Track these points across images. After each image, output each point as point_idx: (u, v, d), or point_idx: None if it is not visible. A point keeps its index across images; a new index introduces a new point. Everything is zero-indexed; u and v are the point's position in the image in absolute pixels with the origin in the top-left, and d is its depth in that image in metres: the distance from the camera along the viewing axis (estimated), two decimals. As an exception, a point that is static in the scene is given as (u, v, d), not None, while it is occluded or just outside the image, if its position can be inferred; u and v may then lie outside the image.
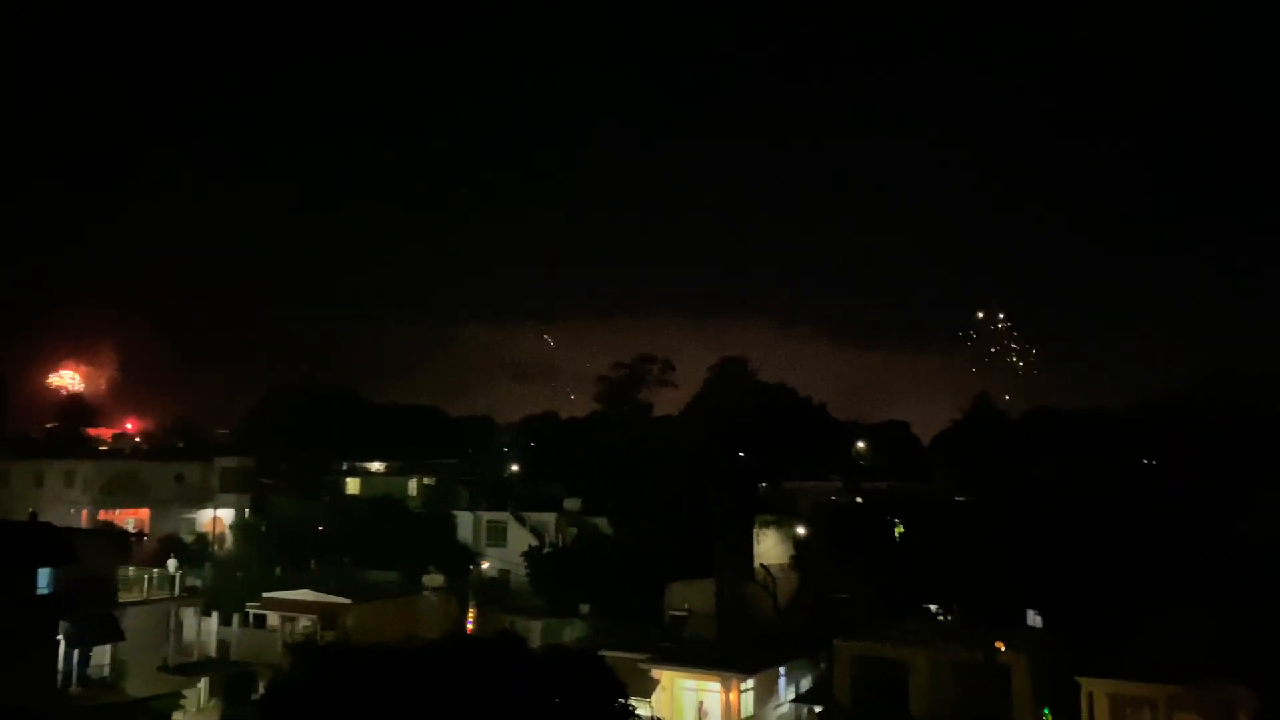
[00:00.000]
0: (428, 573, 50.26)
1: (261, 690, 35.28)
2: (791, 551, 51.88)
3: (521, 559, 55.98)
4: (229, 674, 41.97)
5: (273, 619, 46.76)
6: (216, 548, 59.32)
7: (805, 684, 41.49)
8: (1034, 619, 42.30)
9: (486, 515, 60.61)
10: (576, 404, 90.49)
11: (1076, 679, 34.44)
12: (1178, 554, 39.47)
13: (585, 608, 48.79)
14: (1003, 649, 35.53)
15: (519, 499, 62.94)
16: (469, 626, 42.38)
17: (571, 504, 60.90)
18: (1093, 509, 44.33)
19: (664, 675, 39.73)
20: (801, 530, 52.83)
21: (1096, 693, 34.28)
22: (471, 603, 44.70)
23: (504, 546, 58.91)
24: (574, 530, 58.83)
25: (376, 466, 72.94)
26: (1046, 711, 34.90)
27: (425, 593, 48.96)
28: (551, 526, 59.63)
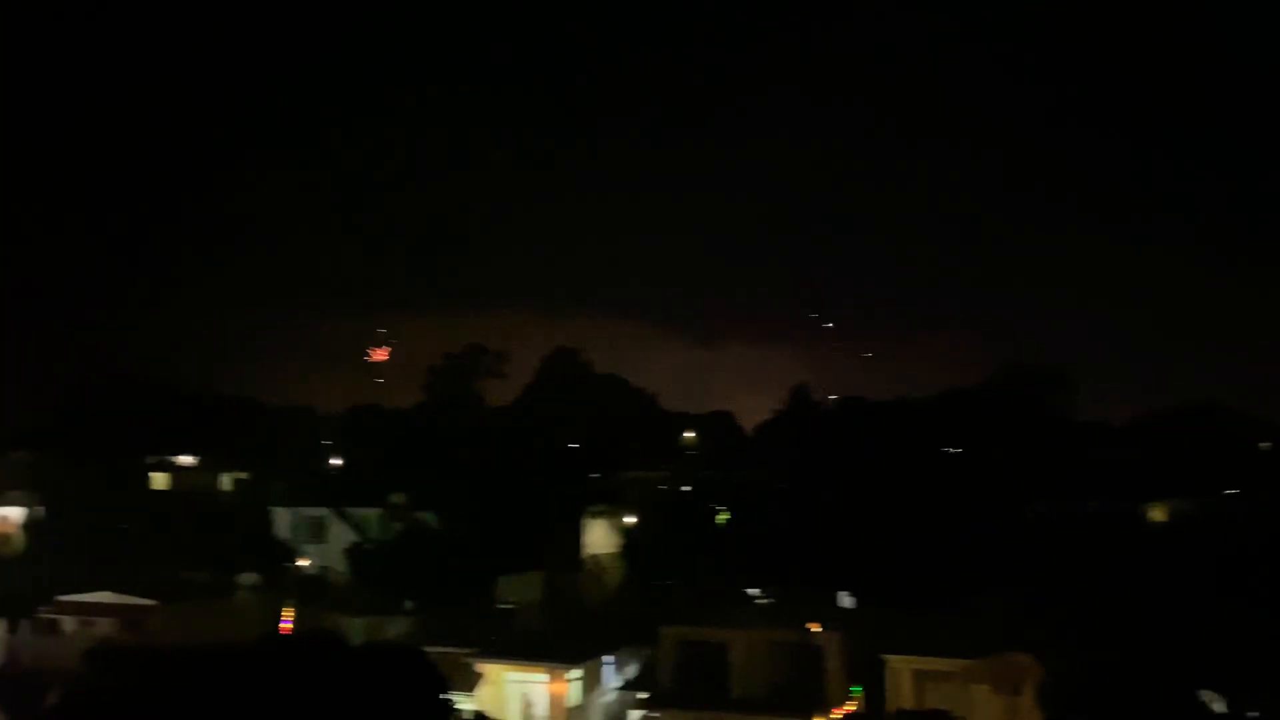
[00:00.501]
0: (241, 572, 48.12)
1: (52, 700, 32.82)
2: (621, 541, 52.64)
3: (343, 555, 54.41)
4: (15, 684, 38.80)
5: (68, 624, 43.68)
6: (2, 549, 54.82)
7: (632, 672, 42.13)
8: (847, 600, 44.51)
9: (305, 511, 58.53)
10: (405, 395, 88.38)
11: (883, 656, 36.48)
12: (975, 536, 42.43)
13: (411, 604, 47.89)
14: (817, 629, 37.13)
15: (341, 494, 61.12)
16: (285, 626, 40.76)
17: (397, 498, 59.62)
18: (899, 494, 47.06)
19: (489, 669, 39.45)
20: (631, 519, 53.69)
21: (902, 669, 36.40)
22: (288, 602, 43.01)
23: (325, 543, 57.05)
24: (399, 525, 57.62)
25: (186, 460, 69.18)
26: (856, 688, 36.71)
27: (238, 593, 46.85)
28: (376, 521, 58.19)
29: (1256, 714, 27.57)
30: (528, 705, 39.74)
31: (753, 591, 46.74)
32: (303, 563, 55.92)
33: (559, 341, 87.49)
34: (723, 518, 52.37)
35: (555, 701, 39.13)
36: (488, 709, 35.65)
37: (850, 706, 36.30)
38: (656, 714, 37.65)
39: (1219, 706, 28.31)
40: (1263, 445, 65.52)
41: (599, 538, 53.30)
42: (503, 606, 46.79)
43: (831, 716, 35.40)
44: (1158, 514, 48.04)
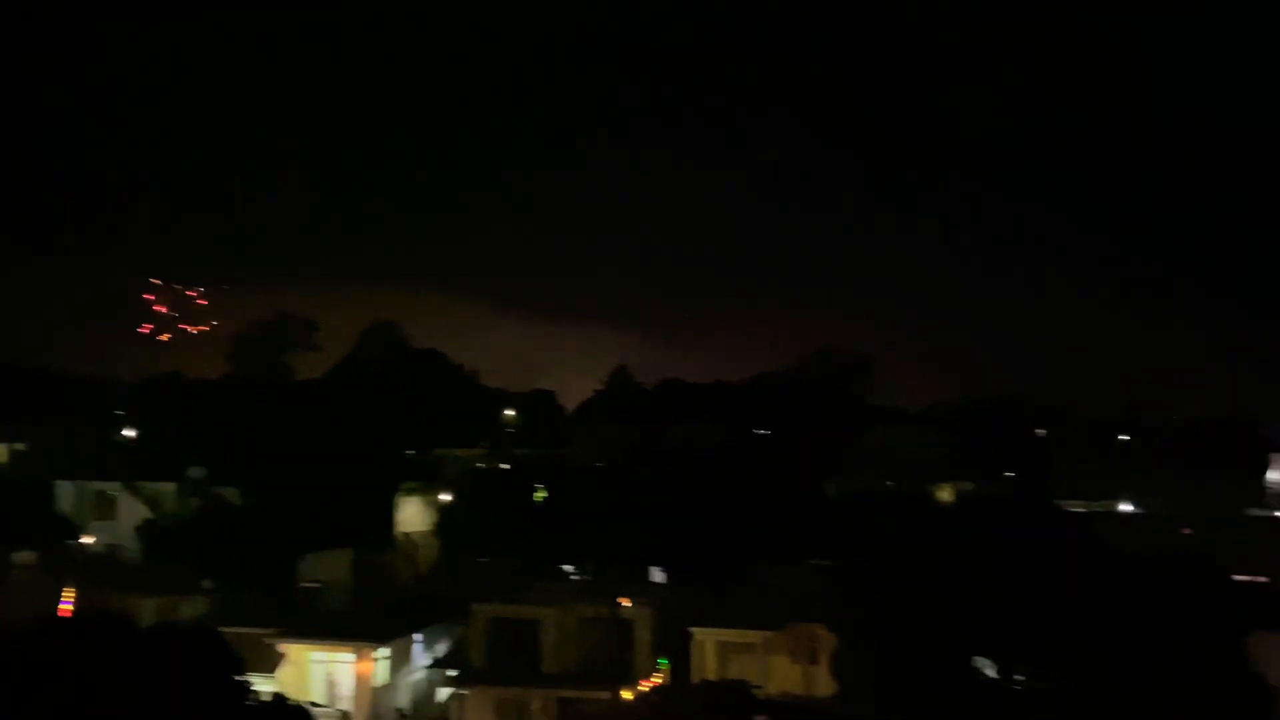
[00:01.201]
0: (16, 550, 44.53)
1: None
2: (436, 519, 51.89)
3: (135, 533, 51.21)
4: None
5: None
6: None
7: (443, 650, 41.75)
8: (658, 576, 45.63)
9: (93, 485, 54.67)
10: (209, 364, 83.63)
11: (689, 629, 37.71)
12: (779, 513, 44.32)
13: (209, 584, 45.63)
14: (627, 605, 37.94)
15: (134, 467, 57.39)
16: (65, 608, 38.01)
17: (196, 472, 56.52)
18: (710, 473, 48.59)
19: (291, 649, 38.25)
20: (446, 497, 52.97)
21: (706, 641, 37.78)
22: (69, 581, 40.12)
23: (114, 519, 53.51)
24: (197, 501, 54.69)
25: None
26: (663, 661, 37.78)
27: (12, 572, 43.38)
28: (171, 497, 55.02)
29: (1022, 678, 30.12)
30: (332, 686, 38.80)
31: (567, 568, 47.16)
32: (87, 540, 52.27)
33: (380, 315, 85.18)
34: (540, 496, 52.49)
35: (361, 681, 38.38)
36: (289, 690, 34.50)
37: (657, 678, 37.34)
38: (465, 691, 37.54)
39: (990, 672, 30.78)
40: (1039, 431, 71.27)
41: (412, 515, 52.38)
42: (308, 585, 45.31)
43: (639, 688, 36.29)
44: (944, 494, 51.49)
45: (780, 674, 36.47)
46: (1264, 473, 76.91)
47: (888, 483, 51.50)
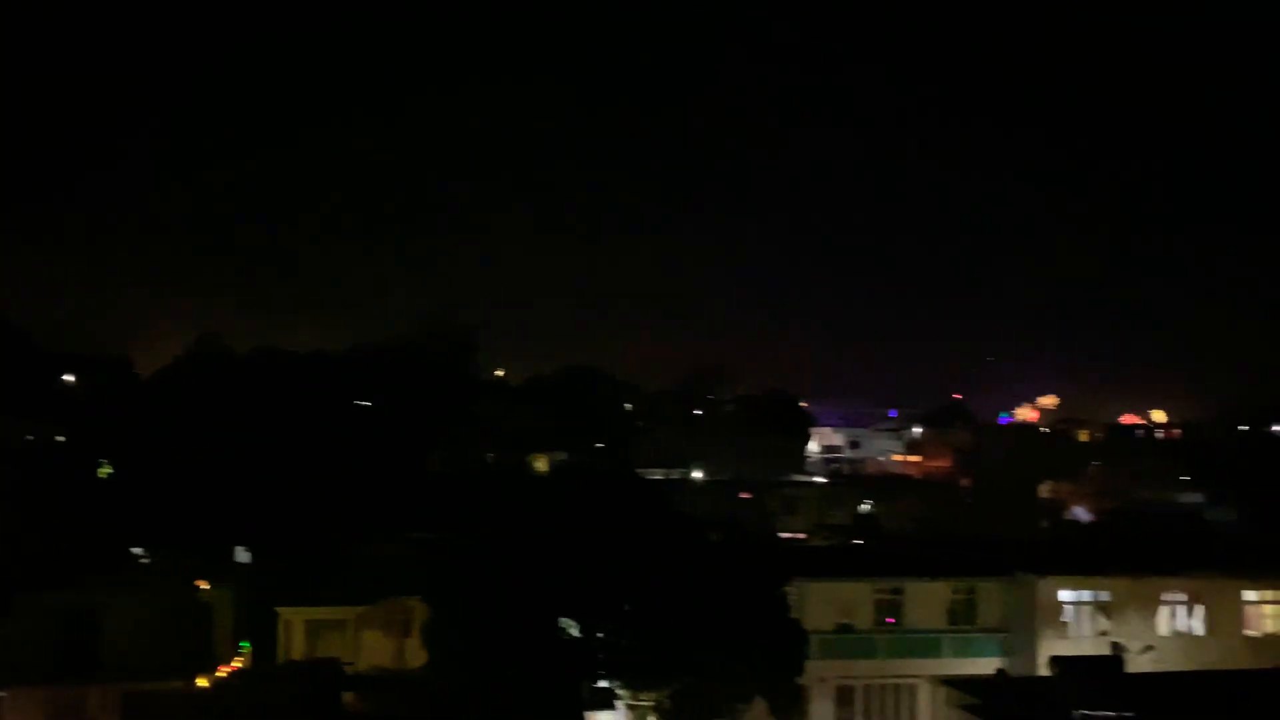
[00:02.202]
0: None
1: None
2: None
3: None
4: None
5: None
6: None
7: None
8: (244, 555, 43.16)
9: None
10: None
11: (276, 609, 36.18)
12: (378, 486, 43.83)
13: None
14: (205, 587, 35.55)
15: None
16: None
17: None
18: (306, 445, 46.76)
19: None
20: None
21: (294, 620, 36.46)
22: None
23: None
24: None
25: None
26: (245, 644, 35.93)
27: None
28: None
29: (602, 635, 32.41)
30: None
31: (137, 551, 43.12)
32: None
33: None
34: (105, 471, 47.31)
35: None
36: None
37: (237, 663, 35.45)
38: (3, 694, 33.11)
39: (575, 631, 32.80)
40: (626, 406, 76.82)
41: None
42: None
43: (217, 674, 34.24)
44: (540, 464, 53.96)
45: (373, 649, 36.25)
46: (806, 444, 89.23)
47: (488, 455, 52.82)
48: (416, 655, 34.70)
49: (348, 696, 33.09)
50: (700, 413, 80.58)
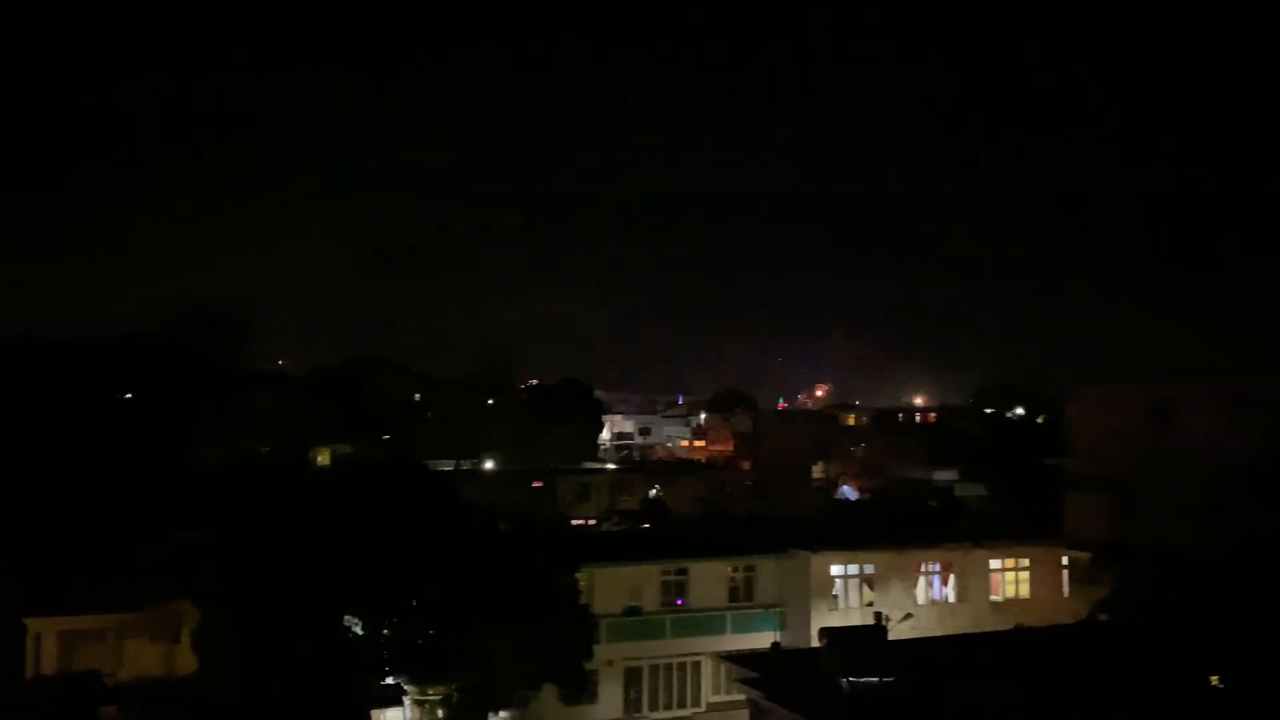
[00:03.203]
0: None
1: None
2: None
3: None
4: None
5: None
6: None
7: None
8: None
9: None
10: None
11: (24, 621, 33.12)
12: (141, 482, 40.89)
13: None
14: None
15: None
16: None
17: None
18: (61, 442, 43.03)
19: None
20: None
21: (45, 632, 33.42)
22: None
23: None
24: None
25: None
26: (-14, 660, 32.68)
27: None
28: None
29: (388, 631, 31.70)
30: None
31: None
32: None
33: None
34: None
35: None
36: None
37: (-23, 682, 32.17)
38: None
39: (359, 629, 31.91)
40: (415, 396, 75.26)
41: None
42: None
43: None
44: (322, 457, 51.99)
45: (138, 658, 33.82)
46: (598, 432, 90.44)
47: (264, 448, 50.33)
48: (188, 662, 32.76)
49: (108, 710, 30.83)
50: (492, 402, 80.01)
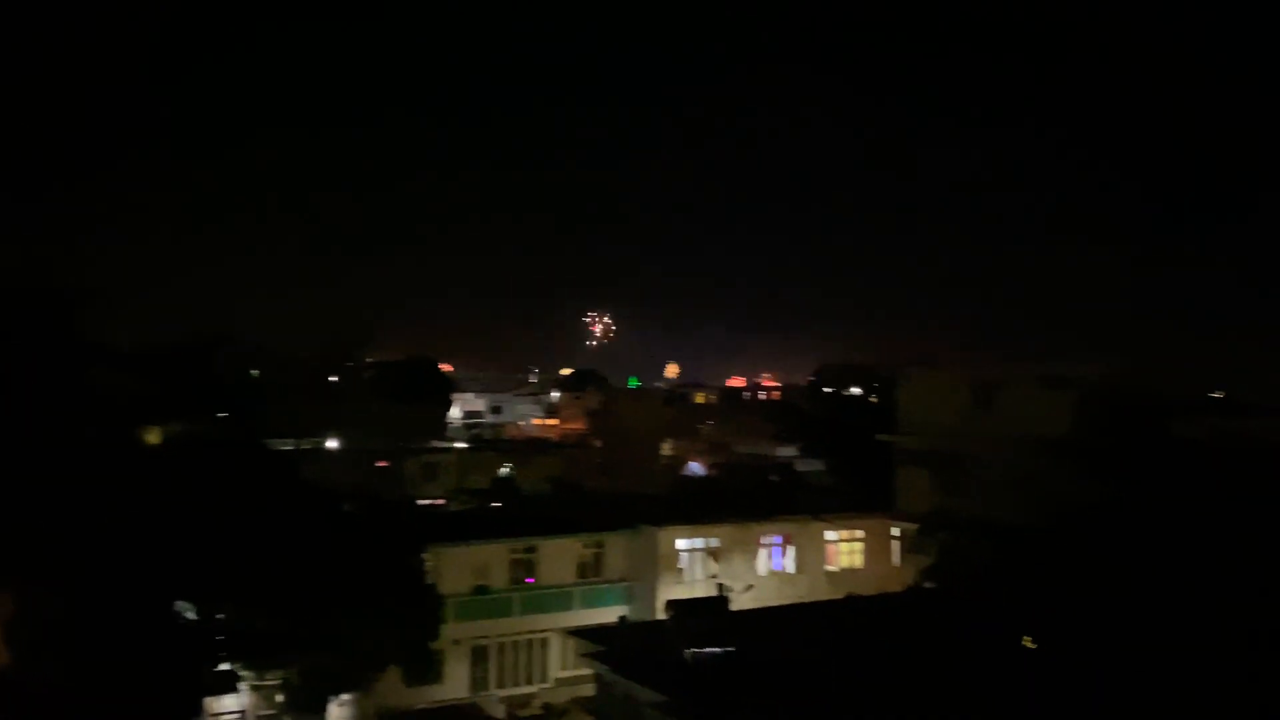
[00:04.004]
0: None
1: None
2: None
3: None
4: None
5: None
6: None
7: None
8: None
9: None
10: None
11: None
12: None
13: None
14: None
15: None
16: None
17: None
18: None
19: None
20: None
21: None
22: None
23: None
24: None
25: None
26: None
27: None
28: None
29: (223, 616, 30.58)
30: None
31: None
32: None
33: None
34: None
35: None
36: None
37: None
38: None
39: (191, 614, 30.63)
40: (254, 372, 72.15)
41: None
42: None
43: None
44: (153, 437, 49.14)
45: (-60, 652, 31.40)
46: (447, 410, 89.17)
47: (88, 427, 47.22)
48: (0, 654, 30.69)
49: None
50: (337, 379, 77.63)
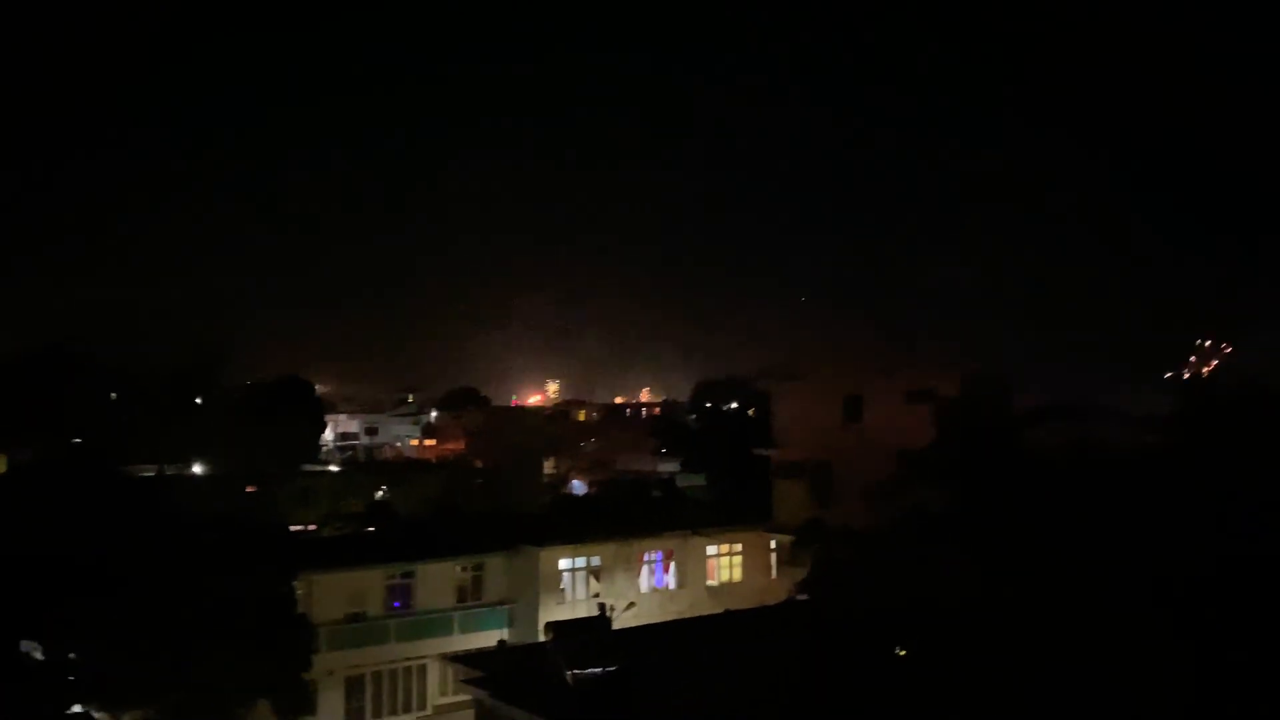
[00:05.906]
0: None
1: None
2: None
3: None
4: None
5: None
6: None
7: None
8: None
9: None
10: None
11: None
12: None
13: None
14: None
15: None
16: None
17: None
18: None
19: None
20: None
21: None
22: None
23: None
24: None
25: None
26: None
27: None
28: None
29: (74, 655, 28.88)
30: None
31: None
32: None
33: None
34: None
35: None
36: None
37: None
38: None
39: (39, 655, 28.84)
40: (112, 394, 68.68)
41: None
42: None
43: None
44: (-3, 466, 46.40)
45: None
46: (321, 432, 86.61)
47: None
48: None
49: None
50: (202, 401, 74.38)
